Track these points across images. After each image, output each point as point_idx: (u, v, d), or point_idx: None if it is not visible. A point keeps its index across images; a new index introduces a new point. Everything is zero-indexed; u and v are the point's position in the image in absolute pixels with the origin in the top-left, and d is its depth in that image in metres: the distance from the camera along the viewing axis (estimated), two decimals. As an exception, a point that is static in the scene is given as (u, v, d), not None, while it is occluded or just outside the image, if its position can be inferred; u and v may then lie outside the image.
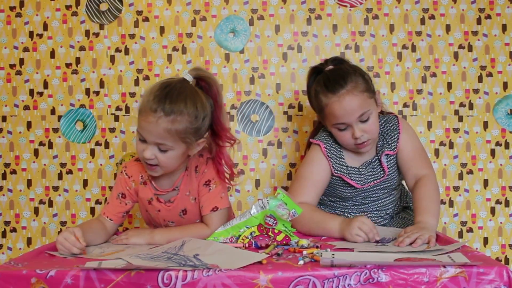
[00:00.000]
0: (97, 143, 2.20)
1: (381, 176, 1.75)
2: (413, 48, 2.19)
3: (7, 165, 2.21)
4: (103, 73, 2.20)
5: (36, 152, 2.20)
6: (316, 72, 1.77)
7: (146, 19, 2.19)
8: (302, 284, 1.13)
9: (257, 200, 2.15)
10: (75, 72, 2.20)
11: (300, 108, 2.20)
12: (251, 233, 1.51)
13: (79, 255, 1.34)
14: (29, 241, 2.20)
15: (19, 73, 2.20)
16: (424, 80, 2.19)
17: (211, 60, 2.19)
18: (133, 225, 2.21)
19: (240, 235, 1.51)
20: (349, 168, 1.75)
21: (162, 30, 2.19)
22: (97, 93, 2.20)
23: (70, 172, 2.20)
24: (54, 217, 2.20)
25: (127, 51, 2.19)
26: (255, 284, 1.12)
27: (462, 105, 2.19)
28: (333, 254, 1.22)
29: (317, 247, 1.40)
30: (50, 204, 2.21)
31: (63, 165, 2.20)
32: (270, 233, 1.51)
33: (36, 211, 2.20)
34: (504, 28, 2.18)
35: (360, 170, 1.75)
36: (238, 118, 2.20)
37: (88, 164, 2.21)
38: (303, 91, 2.20)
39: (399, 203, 1.85)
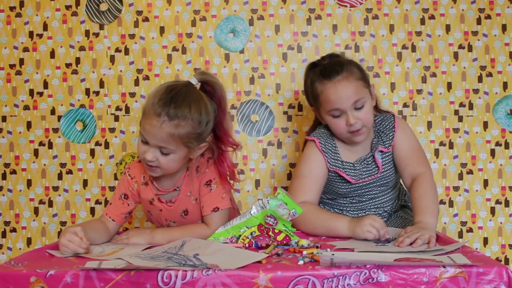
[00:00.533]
0: (97, 143, 2.20)
1: (375, 172, 1.76)
2: (413, 48, 2.19)
3: (7, 165, 2.21)
4: (103, 73, 2.20)
5: (36, 152, 2.20)
6: (312, 67, 1.80)
7: (146, 19, 2.19)
8: (302, 283, 1.13)
9: (257, 200, 2.15)
10: (75, 72, 2.20)
11: (300, 108, 2.20)
12: (251, 233, 1.51)
13: (81, 255, 1.34)
14: (29, 241, 2.20)
15: (19, 73, 2.20)
16: (424, 80, 2.19)
17: (211, 60, 2.19)
18: (133, 225, 2.22)
19: (240, 235, 1.51)
20: (344, 163, 1.76)
21: (162, 30, 2.19)
22: (97, 93, 2.20)
23: (70, 172, 2.20)
24: (54, 217, 2.20)
25: (127, 51, 2.19)
26: (255, 283, 1.12)
27: (462, 105, 2.19)
28: (333, 254, 1.22)
29: (317, 247, 1.40)
30: (50, 204, 2.21)
31: (63, 165, 2.20)
32: (270, 233, 1.51)
33: (36, 211, 2.20)
34: (504, 28, 2.18)
35: (355, 165, 1.76)
36: (238, 118, 2.20)
37: (88, 164, 2.21)
38: (303, 91, 2.20)
39: (397, 202, 1.85)
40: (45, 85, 2.20)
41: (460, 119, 2.19)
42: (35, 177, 2.20)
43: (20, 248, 2.19)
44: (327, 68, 1.72)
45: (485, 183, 2.19)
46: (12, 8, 2.19)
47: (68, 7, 2.19)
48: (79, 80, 2.20)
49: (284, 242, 1.49)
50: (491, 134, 2.19)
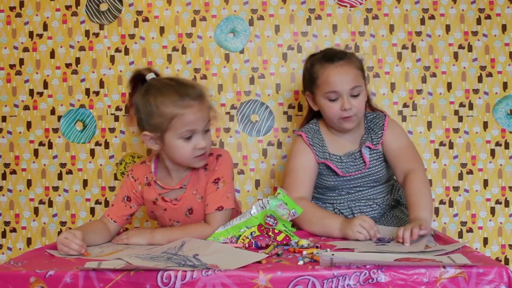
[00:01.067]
0: (97, 143, 2.20)
1: (362, 167, 1.78)
2: (413, 48, 2.19)
3: (7, 165, 2.21)
4: (103, 73, 2.20)
5: (36, 152, 2.20)
6: (312, 56, 1.86)
7: (146, 19, 2.19)
8: (302, 284, 1.13)
9: (257, 200, 2.14)
10: (75, 72, 2.20)
11: (300, 108, 2.20)
12: (251, 233, 1.51)
13: (80, 256, 1.34)
14: (29, 241, 2.20)
15: (19, 73, 2.20)
16: (424, 80, 2.19)
17: (211, 60, 2.19)
18: (133, 225, 2.21)
19: (240, 235, 1.51)
20: (331, 155, 1.79)
21: (162, 30, 2.19)
22: (97, 93, 2.20)
23: (70, 172, 2.20)
24: (54, 217, 2.20)
25: (127, 51, 2.19)
26: (254, 283, 1.12)
27: (462, 105, 2.19)
28: (332, 254, 1.22)
29: (317, 247, 1.40)
30: (50, 204, 2.21)
31: (63, 165, 2.20)
32: (270, 233, 1.51)
33: (36, 211, 2.20)
34: (504, 28, 2.18)
35: (342, 158, 1.79)
36: (238, 118, 2.20)
37: (88, 164, 2.20)
38: (302, 91, 2.20)
39: (390, 196, 1.85)
40: (45, 85, 2.20)
41: (460, 119, 2.19)
42: (35, 177, 2.20)
43: (20, 248, 2.19)
44: (329, 53, 1.78)
45: (485, 183, 2.19)
46: (12, 8, 2.19)
47: (68, 7, 2.19)
48: (79, 80, 2.20)
49: (284, 242, 1.49)
50: (491, 134, 2.18)
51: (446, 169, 2.19)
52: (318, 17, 2.19)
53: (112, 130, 2.20)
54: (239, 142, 2.20)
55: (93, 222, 1.66)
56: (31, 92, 2.20)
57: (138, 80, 1.58)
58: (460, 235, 2.19)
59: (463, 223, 2.19)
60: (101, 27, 2.19)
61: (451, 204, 2.19)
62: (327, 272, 1.14)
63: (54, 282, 1.15)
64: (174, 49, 2.19)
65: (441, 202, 2.19)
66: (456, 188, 2.19)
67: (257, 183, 2.21)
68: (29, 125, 2.20)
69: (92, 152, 2.21)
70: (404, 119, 2.18)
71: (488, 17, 2.18)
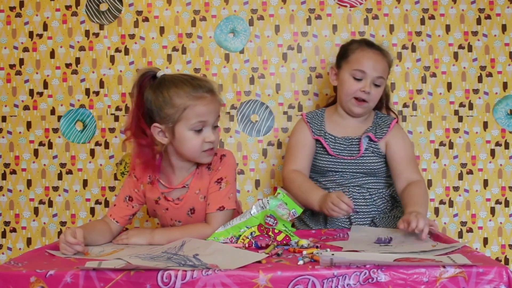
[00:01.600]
0: (97, 143, 2.20)
1: (355, 154, 1.82)
2: (413, 48, 2.19)
3: (7, 165, 2.21)
4: (103, 73, 2.20)
5: (36, 152, 2.21)
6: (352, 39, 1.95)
7: (146, 19, 2.19)
8: (302, 283, 1.13)
9: (257, 200, 2.14)
10: (75, 72, 2.20)
11: (300, 108, 2.20)
12: (251, 233, 1.51)
13: (80, 256, 1.34)
14: (29, 241, 2.20)
15: (19, 73, 2.20)
16: (424, 80, 2.19)
17: (211, 60, 2.19)
18: (133, 225, 2.21)
19: (240, 235, 1.51)
20: (326, 134, 1.85)
21: (162, 30, 2.19)
22: (97, 93, 2.20)
23: (70, 172, 2.20)
24: (54, 217, 2.20)
25: (127, 51, 2.20)
26: (255, 283, 1.12)
27: (462, 105, 2.19)
28: (332, 254, 1.22)
29: (317, 247, 1.40)
30: (50, 204, 2.21)
31: (63, 165, 2.21)
32: (270, 233, 1.51)
33: (36, 211, 2.20)
34: (504, 28, 2.18)
35: (337, 139, 1.85)
36: (238, 118, 2.20)
37: (88, 164, 2.21)
38: (303, 91, 2.20)
39: (384, 190, 1.85)
40: (45, 85, 2.20)
41: (460, 119, 2.19)
42: (35, 177, 2.20)
43: (20, 248, 2.19)
44: (371, 41, 1.88)
45: (485, 183, 2.19)
46: (12, 8, 2.20)
47: (68, 7, 2.19)
48: (79, 80, 2.20)
49: (284, 242, 1.49)
50: (491, 134, 2.19)
51: (446, 169, 2.19)
52: (318, 17, 2.20)
53: (112, 130, 2.20)
54: (239, 142, 2.20)
55: (95, 221, 1.66)
56: (31, 92, 2.20)
57: (147, 77, 1.59)
58: (460, 235, 2.19)
59: (463, 223, 2.19)
60: (101, 27, 2.19)
61: (451, 204, 2.19)
62: (327, 272, 1.14)
63: (54, 282, 1.15)
64: (174, 49, 2.20)
65: (441, 202, 2.19)
66: (456, 188, 2.19)
67: (257, 183, 2.21)
68: (29, 125, 2.20)
69: (92, 152, 2.21)
70: (404, 119, 2.18)
71: (488, 17, 2.18)
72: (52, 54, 2.20)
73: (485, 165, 2.19)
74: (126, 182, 1.66)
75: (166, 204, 1.62)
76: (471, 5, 2.18)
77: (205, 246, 1.38)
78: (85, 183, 2.21)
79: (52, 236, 2.20)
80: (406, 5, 2.18)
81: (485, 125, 2.19)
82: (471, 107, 2.19)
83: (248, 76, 2.20)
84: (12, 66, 2.20)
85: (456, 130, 2.19)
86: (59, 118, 2.20)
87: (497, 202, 2.19)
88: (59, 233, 2.19)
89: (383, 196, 1.84)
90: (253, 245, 1.45)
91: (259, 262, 1.22)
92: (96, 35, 2.20)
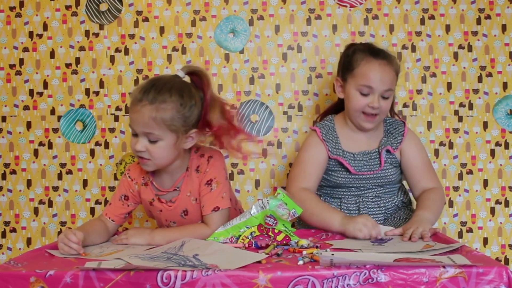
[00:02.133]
0: (97, 143, 2.20)
1: (376, 168, 1.78)
2: (413, 48, 2.19)
3: (7, 165, 2.21)
4: (103, 73, 2.20)
5: (36, 152, 2.20)
6: (355, 46, 1.85)
7: (146, 19, 2.19)
8: (301, 284, 1.13)
9: (257, 200, 2.14)
10: (75, 72, 2.20)
11: (300, 108, 2.20)
12: (251, 233, 1.51)
13: (79, 256, 1.34)
14: (29, 241, 2.20)
15: (19, 73, 2.20)
16: (424, 80, 2.19)
17: (211, 60, 2.19)
18: (133, 225, 2.21)
19: (240, 235, 1.51)
20: (345, 152, 1.78)
21: (162, 30, 2.19)
22: (97, 93, 2.20)
23: (70, 172, 2.20)
24: (54, 217, 2.20)
25: (127, 51, 2.19)
26: (254, 283, 1.12)
27: (462, 105, 2.19)
28: (332, 254, 1.22)
29: (317, 247, 1.40)
30: (50, 204, 2.21)
31: (63, 165, 2.20)
32: (270, 233, 1.51)
33: (36, 211, 2.20)
34: (504, 28, 2.18)
35: (356, 156, 1.78)
36: (238, 118, 2.19)
37: (88, 164, 2.21)
38: (303, 91, 2.20)
39: (397, 197, 1.84)
40: (45, 85, 2.20)
41: (460, 119, 2.19)
42: (35, 177, 2.20)
43: (20, 248, 2.19)
44: (375, 48, 1.77)
45: (485, 183, 2.19)
46: (12, 8, 2.20)
47: (68, 7, 2.19)
48: (79, 80, 2.20)
49: (284, 242, 1.49)
50: (491, 134, 2.18)
51: (446, 169, 2.19)
52: (318, 17, 2.20)
53: (112, 130, 2.20)
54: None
55: (92, 221, 1.66)
56: (31, 92, 2.20)
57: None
58: (460, 235, 2.19)
59: (463, 223, 2.19)
60: (101, 27, 2.19)
61: (451, 204, 2.19)
62: (327, 272, 1.14)
63: (54, 282, 1.15)
64: (174, 49, 2.19)
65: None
66: (456, 188, 2.19)
67: (257, 183, 2.21)
68: (29, 125, 2.20)
69: (92, 152, 2.21)
70: (404, 119, 2.18)
71: (488, 17, 2.18)
72: (52, 54, 2.20)
73: (485, 165, 2.19)
74: (121, 182, 1.66)
75: (159, 206, 1.63)
76: (471, 5, 2.18)
77: (205, 246, 1.38)
78: (85, 183, 2.21)
79: (52, 236, 2.20)
80: (406, 5, 2.18)
81: (485, 125, 2.19)
82: (471, 107, 2.19)
83: (248, 76, 2.20)
84: (12, 66, 2.20)
85: (456, 130, 2.19)
86: (59, 118, 2.20)
87: (497, 202, 2.19)
88: (59, 233, 2.19)
89: (396, 203, 1.84)
90: (253, 245, 1.44)
91: (259, 262, 1.22)
92: (96, 35, 2.19)
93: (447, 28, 2.18)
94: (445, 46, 2.19)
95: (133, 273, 1.15)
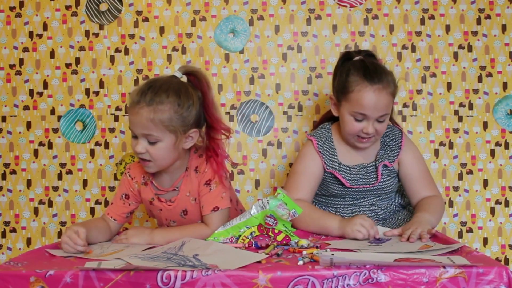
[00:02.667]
0: (97, 143, 2.20)
1: (373, 182, 1.76)
2: (413, 48, 2.19)
3: (7, 165, 2.21)
4: (103, 73, 2.20)
5: (36, 152, 2.20)
6: (348, 58, 1.76)
7: (146, 19, 2.19)
8: (301, 284, 1.13)
9: (257, 200, 2.14)
10: (75, 72, 2.20)
11: (300, 108, 2.20)
12: (251, 233, 1.51)
13: (80, 256, 1.34)
14: (28, 241, 2.20)
15: (19, 73, 2.20)
16: (424, 80, 2.19)
17: (211, 60, 2.19)
18: (133, 225, 2.21)
19: (240, 235, 1.51)
20: (341, 166, 1.76)
21: (162, 30, 2.19)
22: (97, 93, 2.20)
23: (70, 172, 2.20)
24: (54, 217, 2.20)
25: (127, 51, 2.19)
26: (254, 283, 1.12)
27: (462, 105, 2.19)
28: (332, 254, 1.22)
29: (316, 247, 1.40)
30: (50, 204, 2.21)
31: (63, 165, 2.20)
32: (270, 233, 1.51)
33: (36, 211, 2.20)
34: (504, 28, 2.18)
35: (352, 170, 1.76)
36: (238, 118, 2.20)
37: (88, 164, 2.21)
38: (302, 91, 2.20)
39: (394, 201, 1.84)
40: (45, 85, 2.20)
41: (460, 119, 2.19)
42: (35, 177, 2.20)
43: (20, 248, 2.19)
44: (370, 70, 1.67)
45: (485, 183, 2.19)
46: (12, 8, 2.20)
47: (68, 7, 2.19)
48: (79, 80, 2.20)
49: (284, 242, 1.49)
50: (491, 134, 2.18)
51: (446, 169, 2.19)
52: (318, 17, 2.20)
53: (112, 130, 2.20)
54: (239, 142, 2.20)
55: (95, 219, 1.67)
56: (31, 92, 2.20)
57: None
58: (460, 235, 2.19)
59: (463, 223, 2.19)
60: (101, 27, 2.19)
61: (451, 204, 2.19)
62: (327, 272, 1.14)
63: (54, 282, 1.15)
64: (174, 49, 2.19)
65: (443, 201, 2.19)
66: (456, 188, 2.19)
67: (257, 183, 2.21)
68: (29, 125, 2.20)
69: (92, 152, 2.21)
70: (404, 119, 2.18)
71: (488, 17, 2.18)
72: (52, 54, 2.20)
73: (485, 165, 2.19)
74: (122, 181, 1.67)
75: (159, 205, 1.63)
76: (471, 5, 2.18)
77: (205, 246, 1.38)
78: (85, 183, 2.21)
79: (52, 236, 2.20)
80: (406, 5, 2.18)
81: (485, 125, 2.19)
82: (471, 107, 2.19)
83: (248, 76, 2.20)
84: (12, 66, 2.20)
85: (456, 130, 2.19)
86: (59, 118, 2.20)
87: (497, 202, 2.19)
88: (59, 233, 2.19)
89: (394, 208, 1.83)
90: (253, 245, 1.44)
91: (259, 262, 1.22)
92: (96, 35, 2.20)
93: (447, 28, 2.18)
94: (445, 46, 2.19)
95: (133, 273, 1.15)
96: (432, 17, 2.18)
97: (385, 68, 1.71)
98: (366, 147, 1.76)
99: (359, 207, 1.78)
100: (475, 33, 2.18)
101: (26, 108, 2.20)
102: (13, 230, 2.21)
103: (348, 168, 1.76)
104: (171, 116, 1.48)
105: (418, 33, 2.19)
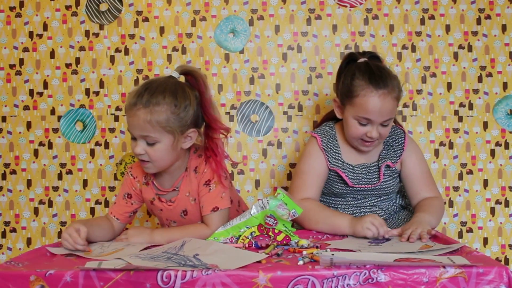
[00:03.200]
0: (97, 143, 2.20)
1: (375, 182, 1.76)
2: (413, 48, 2.19)
3: (7, 165, 2.21)
4: (103, 73, 2.20)
5: (36, 152, 2.20)
6: (352, 60, 1.75)
7: (146, 19, 2.19)
8: (301, 283, 1.13)
9: (257, 200, 2.14)
10: (75, 72, 2.20)
11: (300, 108, 2.20)
12: (251, 233, 1.51)
13: (81, 255, 1.34)
14: (29, 241, 2.20)
15: (19, 73, 2.20)
16: (424, 80, 2.19)
17: (211, 60, 2.19)
18: (133, 225, 2.21)
19: (240, 235, 1.51)
20: (344, 164, 1.76)
21: (162, 30, 2.19)
22: (97, 93, 2.20)
23: (70, 172, 2.20)
24: (54, 217, 2.20)
25: (127, 51, 2.19)
26: (254, 283, 1.12)
27: (462, 105, 2.19)
28: (332, 254, 1.22)
29: (317, 247, 1.40)
30: (50, 204, 2.21)
31: (63, 165, 2.20)
32: (270, 233, 1.51)
33: (36, 211, 2.20)
34: (504, 28, 2.18)
35: (355, 169, 1.76)
36: (238, 118, 2.20)
37: (88, 164, 2.21)
38: (303, 91, 2.20)
39: (395, 202, 1.84)
40: (45, 85, 2.20)
41: (460, 119, 2.19)
42: (35, 177, 2.20)
43: (20, 248, 2.19)
44: (376, 74, 1.66)
45: (485, 183, 2.19)
46: (12, 8, 2.20)
47: (68, 7, 2.19)
48: (79, 80, 2.20)
49: (284, 242, 1.49)
50: (491, 134, 2.18)
51: (446, 169, 2.19)
52: (318, 17, 2.20)
53: (112, 130, 2.20)
54: (239, 142, 2.20)
55: (99, 217, 1.68)
56: (31, 92, 2.20)
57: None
58: (460, 235, 2.19)
59: (463, 223, 2.19)
60: (101, 27, 2.19)
61: (451, 204, 2.19)
62: (327, 272, 1.14)
63: (54, 281, 1.15)
64: (174, 49, 2.19)
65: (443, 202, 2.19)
66: (456, 188, 2.19)
67: (257, 183, 2.21)
68: (29, 125, 2.20)
69: (92, 152, 2.21)
70: (404, 119, 2.18)
71: (488, 17, 2.18)
72: (52, 54, 2.20)
73: (485, 165, 2.19)
74: (124, 180, 1.68)
75: (160, 205, 1.64)
76: (471, 5, 2.18)
77: (205, 246, 1.38)
78: (85, 183, 2.21)
79: (52, 236, 2.20)
80: (406, 5, 2.18)
81: (485, 125, 2.19)
82: (471, 107, 2.19)
83: (248, 76, 2.20)
84: (12, 66, 2.20)
85: (456, 130, 2.19)
86: (59, 118, 2.20)
87: (497, 202, 2.19)
88: (59, 233, 2.19)
89: (394, 208, 1.83)
90: (253, 245, 1.44)
91: (259, 262, 1.22)
92: (96, 35, 2.20)
93: (447, 28, 2.19)
94: (445, 46, 2.19)
95: (133, 272, 1.15)
96: (432, 17, 2.18)
97: (390, 72, 1.71)
98: (369, 150, 1.76)
99: (359, 208, 1.78)
100: (475, 33, 2.18)
101: (26, 108, 2.20)
102: (13, 230, 2.21)
103: (352, 167, 1.76)
104: (168, 117, 1.48)
105: (418, 33, 2.19)
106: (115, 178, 2.20)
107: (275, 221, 1.51)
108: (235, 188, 2.18)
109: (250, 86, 2.20)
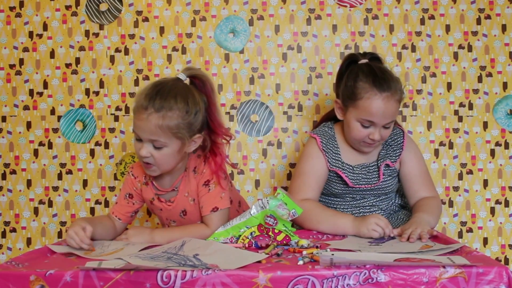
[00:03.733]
0: (97, 143, 2.20)
1: (375, 181, 1.76)
2: (413, 48, 2.19)
3: (7, 165, 2.21)
4: (103, 73, 2.20)
5: (36, 152, 2.20)
6: (353, 61, 1.75)
7: (146, 19, 2.19)
8: (301, 283, 1.13)
9: (257, 200, 2.14)
10: (75, 72, 2.20)
11: (300, 108, 2.20)
12: (251, 233, 1.51)
13: (81, 255, 1.35)
14: (28, 241, 2.20)
15: (19, 73, 2.20)
16: (424, 80, 2.19)
17: (211, 60, 2.19)
18: (133, 225, 2.21)
19: (240, 235, 1.51)
20: (344, 165, 1.76)
21: (162, 30, 2.19)
22: (97, 93, 2.20)
23: (70, 172, 2.20)
24: (54, 217, 2.20)
25: (127, 51, 2.19)
26: (254, 283, 1.12)
27: (462, 105, 2.19)
28: (332, 254, 1.22)
29: (316, 247, 1.40)
30: (50, 204, 2.21)
31: (63, 165, 2.20)
32: (270, 233, 1.51)
33: (35, 211, 2.20)
34: (503, 28, 2.18)
35: (355, 169, 1.76)
36: (238, 118, 2.20)
37: (88, 164, 2.21)
38: (302, 91, 2.20)
39: (394, 201, 1.85)
40: (45, 85, 2.20)
41: (460, 119, 2.19)
42: (35, 177, 2.20)
43: (20, 248, 2.19)
44: (379, 77, 1.66)
45: (485, 183, 2.19)
46: (12, 8, 2.20)
47: (68, 7, 2.19)
48: (79, 80, 2.20)
49: (284, 242, 1.49)
50: (491, 134, 2.19)
51: (446, 169, 2.19)
52: (318, 17, 2.20)
53: (112, 130, 2.20)
54: (239, 142, 2.20)
55: (102, 216, 1.69)
56: (31, 92, 2.20)
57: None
58: (460, 235, 2.19)
59: (463, 223, 2.19)
60: (101, 27, 2.19)
61: (451, 204, 2.19)
62: (327, 272, 1.14)
63: (54, 281, 1.15)
64: (174, 49, 2.20)
65: (441, 202, 2.18)
66: (456, 188, 2.19)
67: (257, 183, 2.21)
68: (29, 125, 2.20)
69: (92, 152, 2.21)
70: (404, 119, 2.18)
71: (488, 17, 2.18)
72: (52, 54, 2.20)
73: (485, 165, 2.19)
74: (125, 180, 1.68)
75: (159, 205, 1.64)
76: (471, 5, 2.18)
77: (205, 246, 1.39)
78: (85, 183, 2.21)
79: (52, 236, 2.20)
80: (406, 5, 2.18)
81: (485, 125, 2.19)
82: (471, 107, 2.19)
83: (248, 76, 2.20)
84: (12, 66, 2.20)
85: (456, 130, 2.19)
86: (59, 118, 2.20)
87: (497, 202, 2.19)
88: (59, 233, 2.19)
89: (394, 208, 1.83)
90: (253, 245, 1.44)
91: (259, 262, 1.22)
92: (96, 35, 2.20)
93: (447, 28, 2.19)
94: (445, 46, 2.19)
95: (133, 272, 1.15)
96: (432, 17, 2.18)
97: (392, 74, 1.71)
98: (369, 152, 1.77)
99: (358, 208, 1.78)
100: (475, 33, 2.18)
101: (26, 108, 2.20)
102: (13, 230, 2.21)
103: (351, 167, 1.76)
104: (178, 123, 1.48)
105: (418, 33, 2.19)
106: (115, 178, 2.20)
107: (275, 221, 1.51)
108: (236, 188, 2.19)
109: (250, 86, 2.20)
